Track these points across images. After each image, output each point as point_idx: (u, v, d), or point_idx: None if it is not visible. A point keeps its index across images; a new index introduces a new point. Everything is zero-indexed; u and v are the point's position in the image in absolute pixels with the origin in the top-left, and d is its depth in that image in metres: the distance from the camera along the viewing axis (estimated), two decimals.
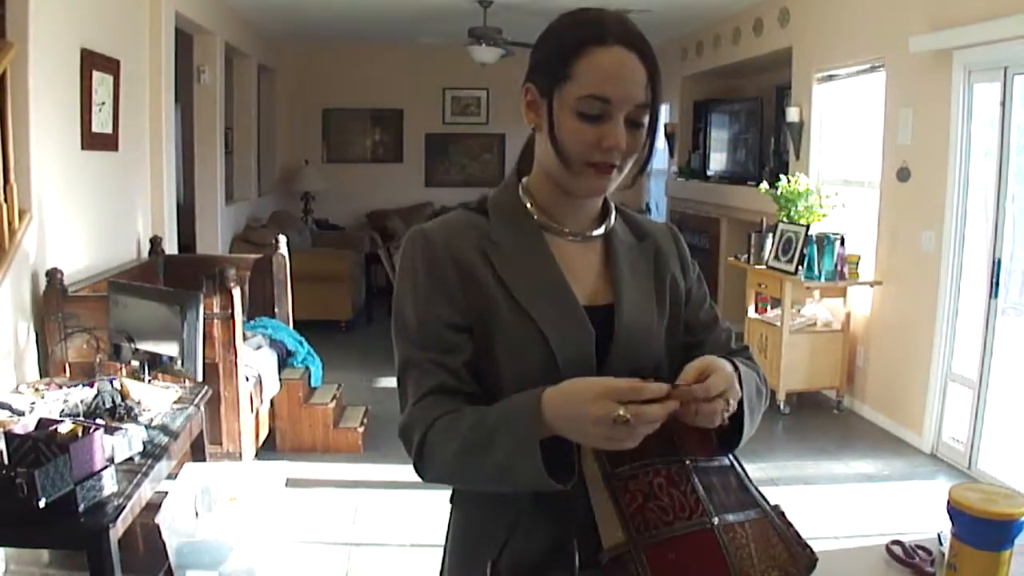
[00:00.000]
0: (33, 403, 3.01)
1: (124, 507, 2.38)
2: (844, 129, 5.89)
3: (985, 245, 4.35)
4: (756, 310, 5.87)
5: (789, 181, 5.55)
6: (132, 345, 3.39)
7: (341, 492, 4.17)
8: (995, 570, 1.22)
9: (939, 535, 1.43)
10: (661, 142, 6.96)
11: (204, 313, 3.40)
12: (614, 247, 1.32)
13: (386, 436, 4.65)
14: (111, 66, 4.52)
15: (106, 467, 2.41)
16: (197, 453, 3.42)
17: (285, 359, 4.83)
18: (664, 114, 8.14)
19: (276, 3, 7.13)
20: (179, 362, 3.31)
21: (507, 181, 1.33)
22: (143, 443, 2.77)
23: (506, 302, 1.22)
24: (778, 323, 5.43)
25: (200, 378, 3.38)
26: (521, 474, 1.10)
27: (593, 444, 1.10)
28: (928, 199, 4.68)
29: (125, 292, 3.52)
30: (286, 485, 3.39)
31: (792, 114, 6.13)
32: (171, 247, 5.43)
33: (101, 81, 4.38)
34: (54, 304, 3.71)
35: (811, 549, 1.20)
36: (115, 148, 4.63)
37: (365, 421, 4.84)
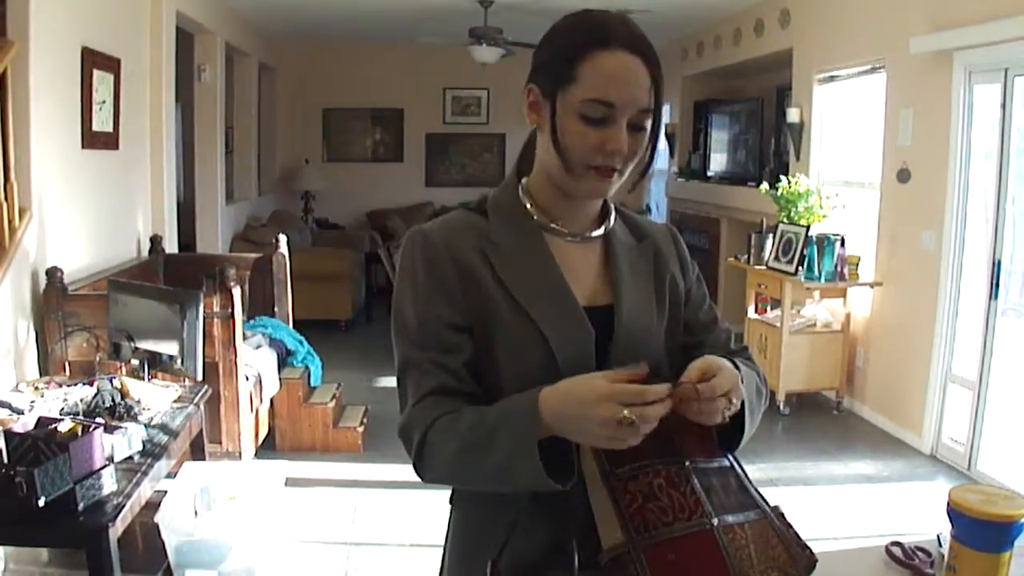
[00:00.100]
0: (33, 402, 3.01)
1: (123, 506, 2.38)
2: (844, 130, 5.89)
3: (985, 246, 4.35)
4: (756, 311, 5.87)
5: (789, 182, 5.55)
6: (132, 344, 3.39)
7: (340, 492, 4.17)
8: (995, 572, 1.22)
9: (939, 536, 1.43)
10: (662, 145, 6.96)
11: (204, 312, 3.40)
12: (613, 248, 1.32)
13: (386, 436, 4.65)
14: (112, 65, 4.52)
15: (105, 466, 2.41)
16: (197, 452, 3.42)
17: (285, 358, 4.83)
18: (664, 114, 8.14)
19: (277, 3, 7.13)
20: (179, 361, 3.31)
21: (507, 181, 1.33)
22: (143, 442, 2.77)
23: (506, 302, 1.22)
24: (778, 324, 5.43)
25: (200, 377, 3.38)
26: (520, 474, 1.10)
27: (595, 444, 1.10)
28: (928, 200, 4.68)
29: (125, 291, 3.52)
30: (285, 484, 3.39)
31: (792, 115, 6.13)
32: (171, 246, 5.44)
33: (102, 80, 4.38)
34: (54, 303, 3.71)
35: (811, 550, 1.20)
36: (115, 147, 4.63)
37: (365, 421, 4.84)
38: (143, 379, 3.29)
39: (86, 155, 4.27)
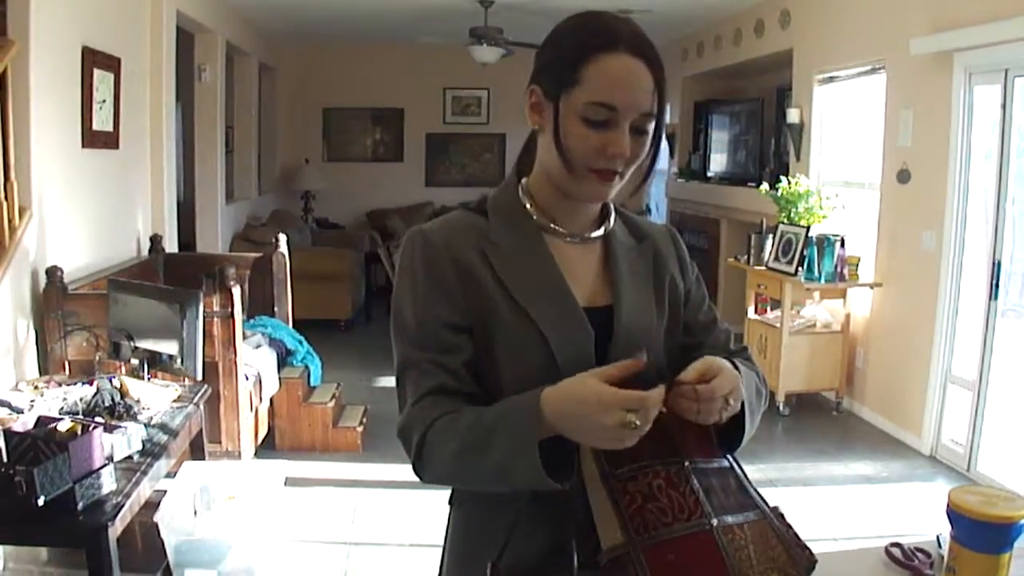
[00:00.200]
0: (32, 401, 3.01)
1: (123, 505, 2.38)
2: (844, 131, 5.89)
3: (985, 247, 4.35)
4: (756, 311, 5.87)
5: (789, 182, 5.55)
6: (132, 343, 3.39)
7: (340, 491, 4.17)
8: (994, 573, 1.22)
9: (938, 537, 1.43)
10: (663, 146, 6.96)
11: (204, 312, 3.40)
12: (613, 248, 1.32)
13: (385, 436, 4.65)
14: (112, 64, 4.52)
15: (105, 465, 2.41)
16: (196, 452, 3.42)
17: (284, 358, 4.83)
18: (666, 116, 8.12)
19: (277, 2, 7.13)
20: (179, 360, 3.31)
21: (507, 181, 1.33)
22: (142, 441, 2.77)
23: (505, 303, 1.22)
24: (778, 324, 5.43)
25: (199, 377, 3.38)
26: (520, 474, 1.10)
27: (597, 446, 1.10)
28: (928, 201, 4.68)
29: (125, 290, 3.52)
30: (285, 484, 3.38)
31: (793, 115, 6.13)
32: (171, 245, 5.44)
33: (102, 79, 4.38)
34: (54, 302, 3.71)
35: (810, 551, 1.20)
36: (116, 146, 4.63)
37: (364, 420, 4.84)
38: (143, 378, 3.29)
39: (86, 154, 4.27)
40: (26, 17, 3.60)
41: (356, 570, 3.42)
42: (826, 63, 5.83)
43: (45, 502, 2.20)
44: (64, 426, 2.48)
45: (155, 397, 3.14)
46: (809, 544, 1.21)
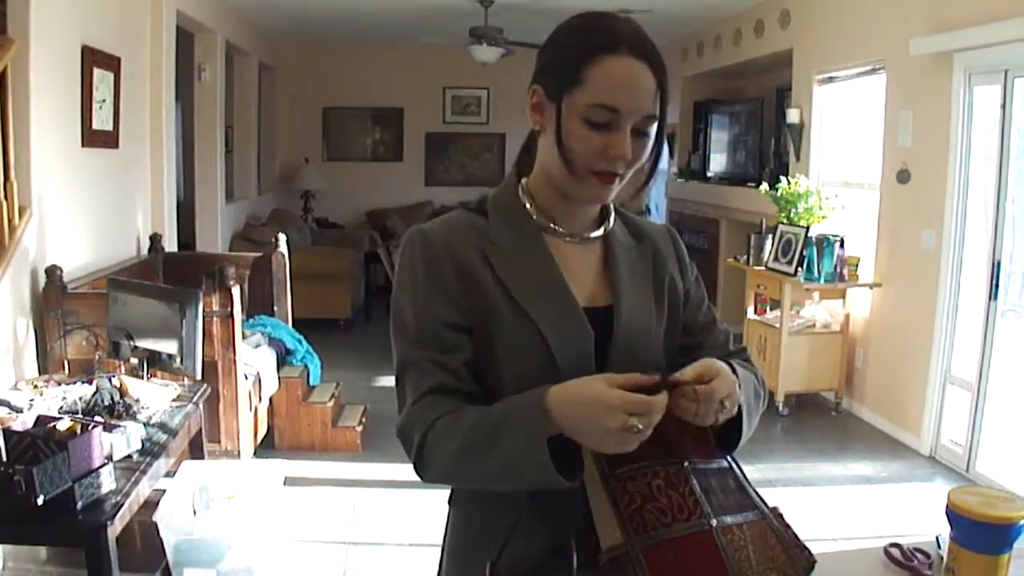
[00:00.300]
0: (32, 400, 3.01)
1: (122, 505, 2.38)
2: (844, 131, 5.89)
3: (985, 247, 4.35)
4: (755, 311, 5.88)
5: (789, 182, 5.55)
6: (131, 343, 3.39)
7: (339, 491, 4.17)
8: (993, 574, 1.22)
9: (937, 538, 1.43)
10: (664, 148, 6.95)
11: (203, 311, 3.40)
12: (613, 249, 1.32)
13: (384, 435, 4.64)
14: (112, 63, 4.52)
15: (104, 464, 2.41)
16: (195, 451, 3.42)
17: (284, 357, 4.83)
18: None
19: (277, 2, 7.13)
20: (178, 360, 3.31)
21: (507, 181, 1.33)
22: (141, 441, 2.77)
23: (505, 302, 1.21)
24: (777, 324, 5.43)
25: (199, 376, 3.38)
26: (527, 472, 1.09)
27: (601, 449, 1.10)
28: (928, 201, 4.68)
29: (124, 289, 3.52)
30: (284, 484, 3.38)
31: (792, 115, 6.13)
32: (171, 245, 5.44)
33: (102, 78, 4.38)
34: (53, 301, 3.71)
35: (809, 551, 1.20)
36: (115, 145, 4.63)
37: (363, 420, 4.84)
38: (142, 378, 3.29)
39: (86, 153, 4.27)
40: (26, 16, 3.60)
41: (355, 570, 3.42)
42: (826, 63, 5.83)
43: (44, 501, 2.20)
44: (63, 425, 2.48)
45: (154, 396, 3.14)
46: (808, 544, 1.21)
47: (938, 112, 4.56)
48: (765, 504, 1.22)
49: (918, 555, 1.44)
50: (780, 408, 5.42)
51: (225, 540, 2.98)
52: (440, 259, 1.22)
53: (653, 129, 1.20)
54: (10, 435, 2.34)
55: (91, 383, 3.08)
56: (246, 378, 4.06)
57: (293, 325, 5.26)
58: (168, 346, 3.33)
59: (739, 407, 1.21)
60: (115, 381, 3.09)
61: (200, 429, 3.41)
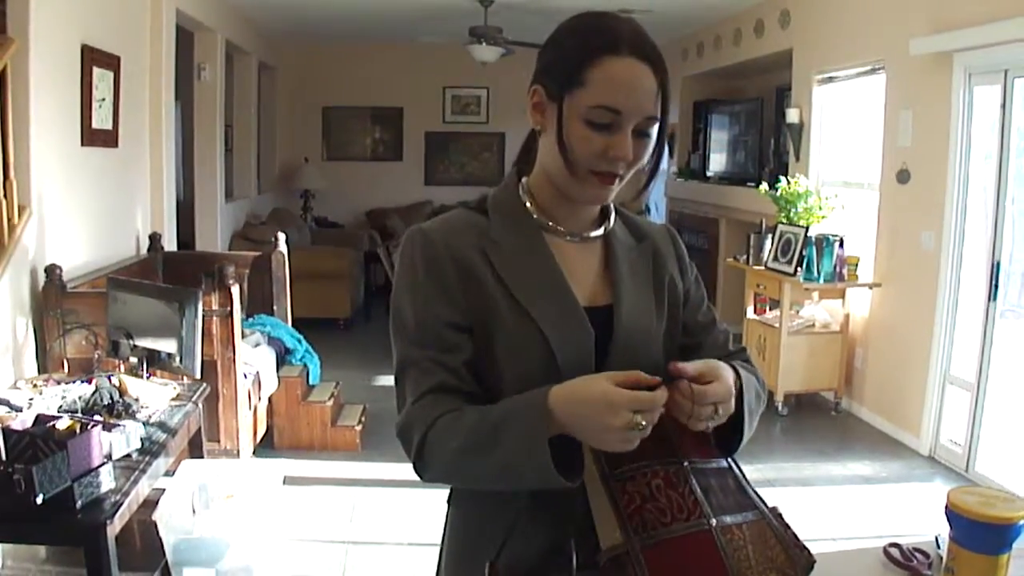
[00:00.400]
0: (31, 399, 3.00)
1: (121, 504, 2.38)
2: (844, 131, 5.89)
3: (984, 247, 4.35)
4: (755, 311, 5.88)
5: (789, 182, 5.55)
6: (131, 342, 3.39)
7: (339, 490, 4.17)
8: (993, 574, 1.22)
9: (937, 538, 1.43)
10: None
11: (203, 310, 3.40)
12: (613, 248, 1.32)
13: (384, 434, 4.65)
14: (112, 63, 4.51)
15: (104, 464, 2.41)
16: (195, 450, 3.42)
17: (283, 357, 4.82)
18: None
19: (277, 1, 7.12)
20: (178, 359, 3.31)
21: (507, 180, 1.33)
22: (141, 440, 2.76)
23: (506, 302, 1.21)
24: (777, 324, 5.43)
25: (198, 375, 3.38)
26: (528, 472, 1.09)
27: (605, 448, 1.10)
28: (928, 201, 4.68)
29: (124, 289, 3.52)
30: (284, 483, 3.39)
31: (792, 115, 6.13)
32: (170, 244, 5.43)
33: (101, 77, 4.38)
34: (53, 300, 3.71)
35: (809, 551, 1.20)
36: (115, 145, 4.63)
37: (363, 419, 4.84)
38: (142, 377, 3.29)
39: (86, 153, 4.27)
40: (26, 15, 3.60)
41: (354, 569, 3.42)
42: (826, 63, 5.83)
43: (44, 500, 2.20)
44: (63, 424, 2.48)
45: (154, 395, 3.14)
46: (808, 544, 1.21)
47: (938, 112, 4.57)
48: (765, 504, 1.22)
49: (917, 555, 1.44)
50: (780, 408, 5.42)
51: (224, 539, 2.97)
52: (440, 258, 1.22)
53: (654, 130, 1.20)
54: (9, 434, 2.34)
55: (90, 382, 3.08)
56: (245, 377, 4.06)
57: (293, 324, 5.26)
58: (167, 345, 3.33)
59: (742, 409, 1.21)
60: (114, 380, 3.09)
61: (199, 428, 3.41)
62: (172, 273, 4.94)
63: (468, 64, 7.45)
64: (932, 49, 4.51)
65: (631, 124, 1.17)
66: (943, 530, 1.30)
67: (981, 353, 4.35)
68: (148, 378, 3.31)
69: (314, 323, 6.31)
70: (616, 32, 1.17)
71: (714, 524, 1.14)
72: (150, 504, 2.85)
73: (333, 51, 9.51)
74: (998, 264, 4.25)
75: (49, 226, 3.86)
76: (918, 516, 3.92)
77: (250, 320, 4.88)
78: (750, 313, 5.86)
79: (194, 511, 3.06)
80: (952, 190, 4.49)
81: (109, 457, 2.50)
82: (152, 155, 5.25)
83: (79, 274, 4.09)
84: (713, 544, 1.13)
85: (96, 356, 3.48)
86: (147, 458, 2.69)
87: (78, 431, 2.43)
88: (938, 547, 1.41)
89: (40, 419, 2.55)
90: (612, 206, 1.35)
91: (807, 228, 5.34)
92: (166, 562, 2.90)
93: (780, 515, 1.22)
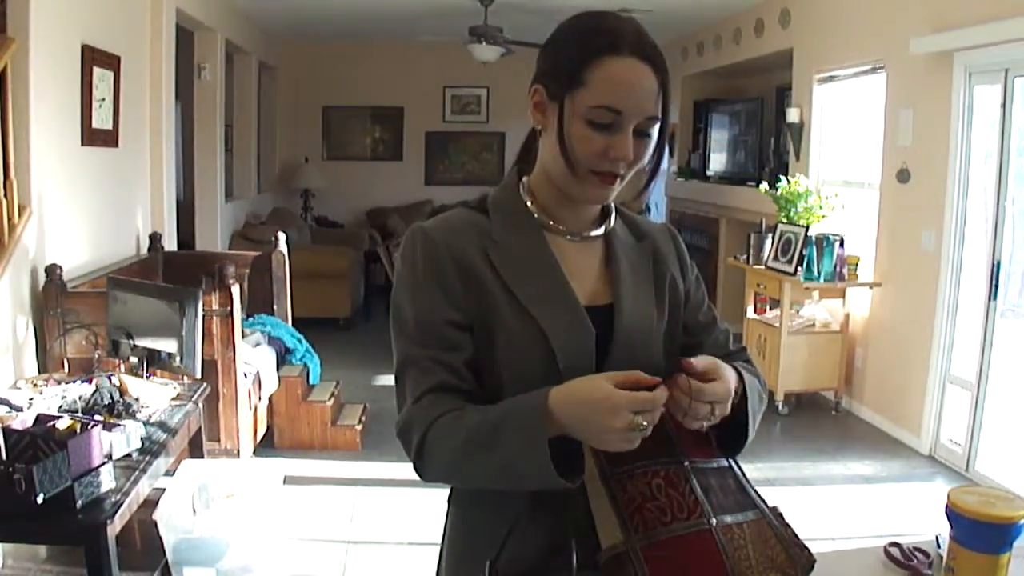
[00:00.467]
0: (31, 399, 3.00)
1: (122, 503, 2.38)
2: (844, 130, 5.89)
3: (985, 247, 4.35)
4: (755, 311, 5.88)
5: (789, 182, 5.55)
6: (131, 341, 3.39)
7: (339, 490, 4.17)
8: (993, 573, 1.22)
9: (937, 537, 1.43)
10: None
11: (203, 310, 3.39)
12: (614, 247, 1.32)
13: (384, 434, 4.65)
14: (112, 62, 4.51)
15: (104, 463, 2.41)
16: (195, 450, 3.42)
17: (284, 356, 4.83)
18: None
19: (277, 1, 7.12)
20: (178, 359, 3.30)
21: (507, 180, 1.33)
22: (141, 439, 2.76)
23: (506, 301, 1.21)
24: (777, 324, 5.44)
25: (199, 375, 3.38)
26: (527, 473, 1.09)
27: (606, 448, 1.10)
28: (928, 200, 4.68)
29: (124, 288, 3.52)
30: (284, 482, 3.38)
31: (792, 115, 6.13)
32: (170, 244, 5.43)
33: (102, 77, 4.38)
34: (53, 300, 3.71)
35: (809, 550, 1.20)
36: (115, 144, 4.63)
37: (363, 419, 4.84)
38: (142, 377, 3.29)
39: (86, 152, 4.27)
40: (26, 15, 3.60)
41: (355, 568, 3.42)
42: (826, 63, 5.83)
43: (44, 500, 2.20)
44: (63, 424, 2.48)
45: (154, 395, 3.14)
46: (808, 544, 1.21)
47: (938, 111, 4.56)
48: (765, 503, 1.22)
49: (918, 554, 1.44)
50: (780, 407, 5.42)
51: (224, 539, 2.97)
52: (441, 257, 1.22)
53: (655, 130, 1.20)
54: (10, 434, 2.34)
55: (91, 382, 3.08)
56: (246, 377, 4.06)
57: (293, 324, 5.26)
58: (168, 345, 3.33)
59: (745, 412, 1.21)
60: (115, 380, 3.09)
61: (200, 428, 3.41)
62: (172, 273, 4.94)
63: (468, 64, 7.45)
64: (932, 48, 4.51)
65: (632, 124, 1.17)
66: (943, 529, 1.30)
67: (981, 353, 4.35)
68: (148, 378, 3.31)
69: (314, 323, 6.31)
70: (617, 32, 1.17)
71: (714, 523, 1.14)
72: (150, 504, 2.85)
73: (333, 51, 9.51)
74: (998, 263, 4.25)
75: (49, 226, 3.86)
76: (918, 515, 3.92)
77: (250, 320, 4.88)
78: (750, 313, 5.86)
79: (194, 511, 3.06)
80: (952, 189, 4.49)
81: (109, 457, 2.50)
82: (152, 155, 5.25)
83: (79, 274, 4.09)
84: (713, 543, 1.13)
85: (96, 356, 3.48)
86: (147, 458, 2.69)
87: (78, 431, 2.43)
88: (938, 546, 1.41)
89: (40, 419, 2.55)
90: (613, 205, 1.35)
91: (807, 228, 5.34)
92: (166, 562, 2.91)
93: (780, 514, 1.22)
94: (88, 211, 4.33)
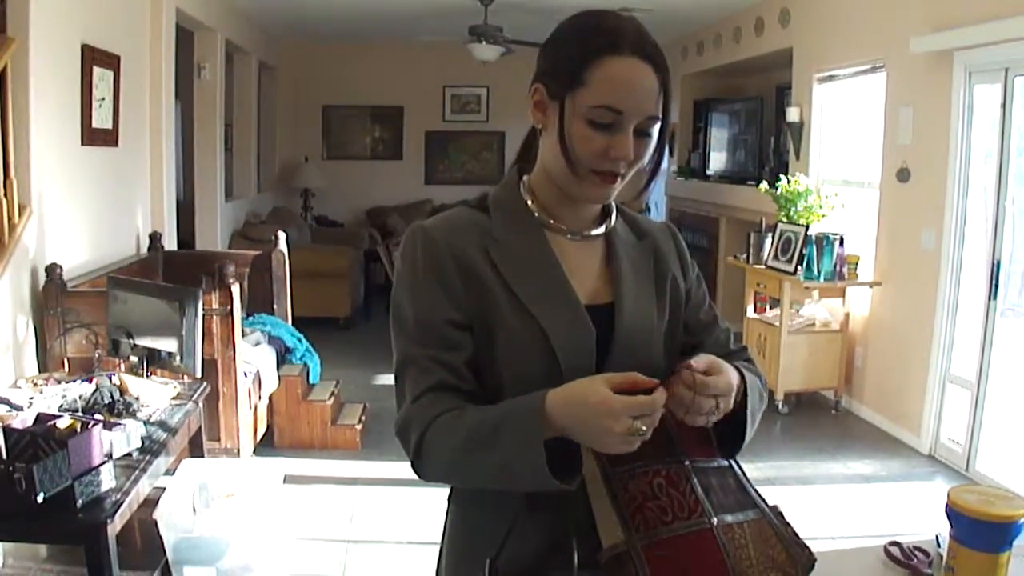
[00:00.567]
0: (32, 398, 3.00)
1: (122, 503, 2.38)
2: (844, 129, 5.89)
3: (984, 246, 4.35)
4: (755, 310, 5.88)
5: (789, 181, 5.55)
6: (131, 341, 3.39)
7: (339, 489, 4.17)
8: (993, 572, 1.22)
9: (937, 537, 1.43)
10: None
11: (203, 309, 3.40)
12: (615, 246, 1.32)
13: (384, 433, 4.64)
14: (112, 62, 4.51)
15: (104, 462, 2.41)
16: (195, 449, 3.42)
17: (284, 356, 4.83)
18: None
19: (277, 1, 7.12)
20: (178, 358, 3.31)
21: (508, 179, 1.33)
22: (141, 439, 2.76)
23: (507, 299, 1.21)
24: (777, 323, 5.44)
25: (199, 374, 3.38)
26: (524, 474, 1.09)
27: (602, 450, 1.10)
28: (928, 200, 4.68)
29: (124, 288, 3.52)
30: (284, 482, 3.39)
31: (792, 114, 6.13)
32: (170, 243, 5.43)
33: (101, 77, 4.38)
34: (53, 299, 3.71)
35: (809, 550, 1.20)
36: (115, 144, 4.63)
37: (363, 418, 4.84)
38: (142, 376, 3.29)
39: (86, 152, 4.27)
40: (26, 14, 3.60)
41: (355, 567, 3.42)
42: (826, 62, 5.83)
43: (44, 499, 2.20)
44: (63, 423, 2.48)
45: (154, 394, 3.14)
46: (808, 543, 1.21)
47: (938, 111, 4.56)
48: (765, 503, 1.23)
49: (918, 554, 1.44)
50: (780, 407, 5.42)
51: (225, 538, 2.97)
52: (441, 256, 1.22)
53: (655, 129, 1.20)
54: (10, 433, 2.35)
55: (91, 381, 3.08)
56: (246, 376, 4.06)
57: (293, 323, 5.26)
58: (168, 344, 3.33)
59: (745, 410, 1.21)
60: (115, 379, 3.09)
61: (200, 427, 3.41)
62: (172, 272, 4.94)
63: (468, 63, 7.45)
64: (932, 47, 4.51)
65: (632, 124, 1.17)
66: (943, 529, 1.30)
67: (981, 352, 4.35)
68: (148, 377, 3.32)
69: (314, 322, 6.31)
70: (617, 31, 1.17)
71: (715, 523, 1.14)
72: (150, 503, 2.85)
73: (333, 51, 9.51)
74: (998, 263, 4.25)
75: (49, 225, 3.86)
76: (918, 515, 3.92)
77: (250, 319, 4.88)
78: (750, 312, 5.86)
79: (194, 510, 3.06)
80: (952, 189, 4.49)
81: (110, 456, 2.50)
82: (152, 154, 5.25)
83: (79, 273, 4.09)
84: (714, 543, 1.13)
85: (96, 355, 3.48)
86: (147, 457, 2.69)
87: (79, 430, 2.43)
88: (938, 546, 1.41)
89: (41, 418, 2.55)
90: (613, 204, 1.35)
91: (807, 227, 5.34)
92: (166, 561, 2.91)
93: (781, 514, 1.23)
94: (88, 210, 4.33)
